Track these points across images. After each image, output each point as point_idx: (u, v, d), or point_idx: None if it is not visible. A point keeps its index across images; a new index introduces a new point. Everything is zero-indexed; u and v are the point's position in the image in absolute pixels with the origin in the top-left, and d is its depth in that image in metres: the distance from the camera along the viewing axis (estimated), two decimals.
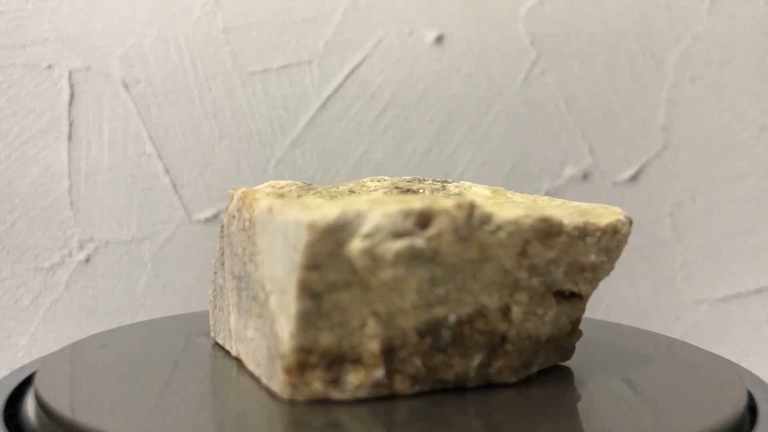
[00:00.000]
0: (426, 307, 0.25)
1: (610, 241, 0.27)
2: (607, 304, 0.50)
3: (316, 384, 0.24)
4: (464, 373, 0.26)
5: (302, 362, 0.24)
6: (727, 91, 0.49)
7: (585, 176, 0.49)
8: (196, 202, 0.49)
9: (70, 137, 0.48)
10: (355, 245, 0.23)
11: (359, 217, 0.23)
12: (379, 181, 0.32)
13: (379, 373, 0.25)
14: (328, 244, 0.23)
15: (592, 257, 0.27)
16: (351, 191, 0.31)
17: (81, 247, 0.49)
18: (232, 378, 0.28)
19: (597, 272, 0.28)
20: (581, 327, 0.29)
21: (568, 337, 0.28)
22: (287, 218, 0.24)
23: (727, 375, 0.28)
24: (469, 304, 0.25)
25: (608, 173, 0.49)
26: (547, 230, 0.26)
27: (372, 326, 0.24)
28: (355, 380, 0.24)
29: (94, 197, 0.49)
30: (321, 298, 0.24)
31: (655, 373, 0.29)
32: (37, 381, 0.26)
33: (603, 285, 0.50)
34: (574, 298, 0.28)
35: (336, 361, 0.24)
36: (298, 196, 0.29)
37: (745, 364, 0.49)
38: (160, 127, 0.49)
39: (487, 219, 0.25)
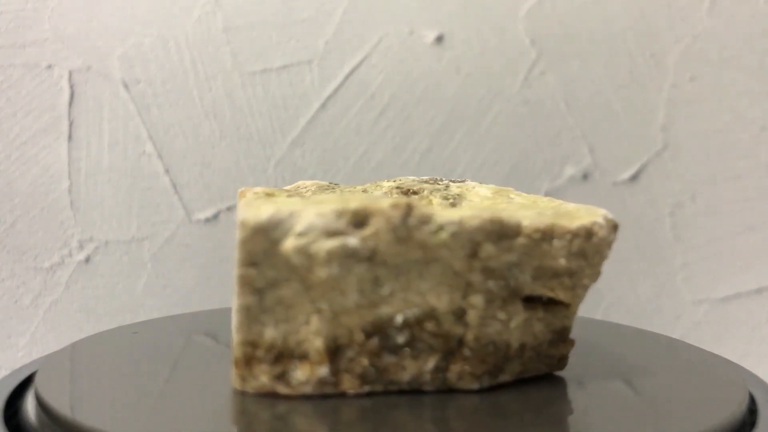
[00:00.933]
0: (370, 306, 0.25)
1: (585, 245, 0.26)
2: (607, 304, 0.50)
3: (264, 377, 0.25)
4: (419, 375, 0.26)
5: (249, 355, 0.25)
6: (727, 91, 0.49)
7: (585, 176, 0.49)
8: (196, 202, 0.49)
9: (70, 137, 0.48)
10: (289, 243, 0.24)
11: (293, 216, 0.24)
12: (394, 181, 0.32)
13: (323, 370, 0.25)
14: (262, 242, 0.24)
15: (562, 261, 0.26)
16: (364, 191, 0.31)
17: (81, 247, 0.49)
18: (225, 372, 0.28)
19: (577, 278, 0.26)
20: (577, 333, 0.28)
21: (551, 346, 0.27)
22: (237, 216, 0.25)
23: (727, 375, 0.28)
24: (417, 305, 0.25)
25: (608, 173, 0.49)
26: (500, 231, 0.25)
27: (316, 323, 0.25)
28: (300, 376, 0.25)
29: (94, 197, 0.49)
30: (263, 293, 0.24)
31: (655, 374, 0.28)
32: (37, 381, 0.26)
33: (603, 285, 0.50)
34: (555, 306, 0.27)
35: (282, 356, 0.25)
36: (288, 196, 0.29)
37: (745, 364, 0.49)
38: (160, 127, 0.49)
39: (426, 219, 0.24)
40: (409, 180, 0.32)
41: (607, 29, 0.49)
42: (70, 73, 0.48)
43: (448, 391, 0.26)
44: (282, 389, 0.25)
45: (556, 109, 0.49)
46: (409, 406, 0.25)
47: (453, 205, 0.29)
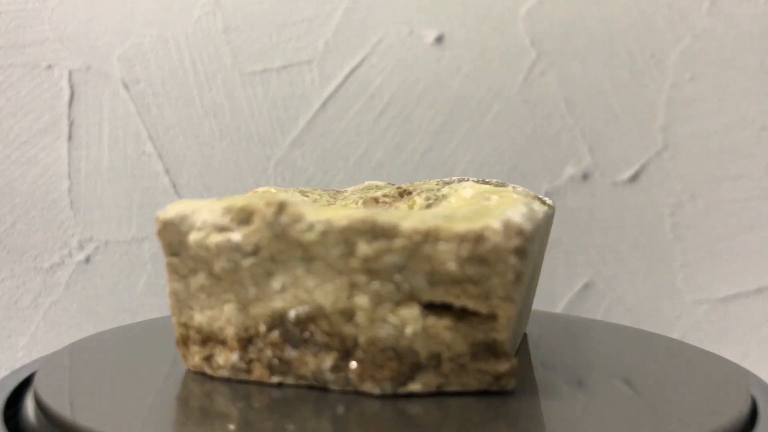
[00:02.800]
0: (267, 300, 0.26)
1: (479, 249, 0.24)
2: (607, 304, 0.50)
3: (197, 358, 0.27)
4: (319, 373, 0.26)
5: (185, 337, 0.28)
6: (727, 91, 0.49)
7: (585, 176, 0.49)
8: None
9: (70, 137, 0.48)
10: (192, 237, 0.26)
11: (195, 212, 0.26)
12: (421, 182, 0.33)
13: (234, 357, 0.27)
14: (176, 235, 0.26)
15: (452, 266, 0.24)
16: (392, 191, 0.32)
17: (81, 247, 0.49)
18: None
19: (485, 287, 0.24)
20: (577, 333, 0.28)
21: (477, 360, 0.25)
22: None
23: (727, 375, 0.28)
24: (306, 302, 0.26)
25: (608, 173, 0.49)
26: (373, 231, 0.24)
27: (228, 312, 0.26)
28: (220, 360, 0.27)
29: (94, 197, 0.49)
30: (187, 280, 0.27)
31: (655, 374, 0.29)
32: (37, 381, 0.26)
33: (603, 284, 0.50)
34: (473, 317, 0.25)
35: (209, 340, 0.27)
36: (301, 193, 0.30)
37: (745, 364, 0.50)
38: (160, 127, 0.49)
39: (298, 218, 0.25)
40: (426, 181, 0.32)
41: (607, 29, 0.49)
42: (70, 73, 0.48)
43: (356, 392, 0.26)
44: (208, 370, 0.27)
45: (556, 109, 0.49)
46: (315, 401, 0.25)
47: (429, 206, 0.29)
